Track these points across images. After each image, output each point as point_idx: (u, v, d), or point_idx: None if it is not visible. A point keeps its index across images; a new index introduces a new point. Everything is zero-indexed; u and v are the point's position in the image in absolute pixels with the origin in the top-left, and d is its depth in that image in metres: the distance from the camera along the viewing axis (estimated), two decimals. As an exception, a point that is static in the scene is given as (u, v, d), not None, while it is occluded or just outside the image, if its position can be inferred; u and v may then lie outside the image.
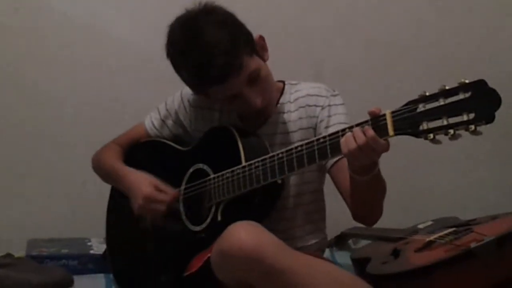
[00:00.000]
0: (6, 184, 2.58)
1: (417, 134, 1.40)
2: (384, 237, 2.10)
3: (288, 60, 2.52)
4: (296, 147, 1.63)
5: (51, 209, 2.57)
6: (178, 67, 1.75)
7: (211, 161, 1.81)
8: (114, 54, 2.61)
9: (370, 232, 2.24)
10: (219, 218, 1.75)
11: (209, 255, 1.62)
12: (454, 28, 2.76)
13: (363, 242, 2.37)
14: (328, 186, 1.87)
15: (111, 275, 2.09)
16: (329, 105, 1.82)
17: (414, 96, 1.41)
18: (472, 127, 1.32)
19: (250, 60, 1.70)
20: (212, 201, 1.78)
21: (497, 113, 1.30)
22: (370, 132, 1.46)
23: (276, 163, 1.66)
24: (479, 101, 1.32)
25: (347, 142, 1.49)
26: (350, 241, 2.49)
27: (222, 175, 1.75)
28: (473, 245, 1.66)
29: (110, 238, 2.09)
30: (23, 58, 2.57)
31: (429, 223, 2.11)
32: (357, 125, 1.50)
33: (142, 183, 1.83)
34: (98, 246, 2.33)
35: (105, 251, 2.15)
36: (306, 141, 1.61)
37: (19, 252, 2.28)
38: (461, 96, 1.34)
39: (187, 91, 1.93)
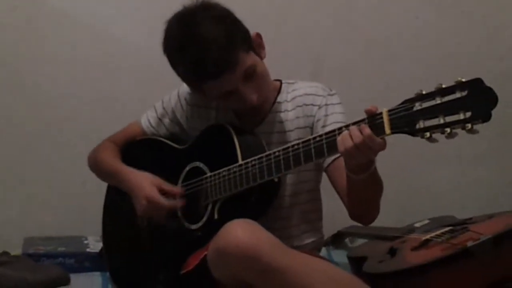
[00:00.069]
0: (3, 183, 2.57)
1: (413, 132, 1.40)
2: (380, 236, 2.11)
3: (286, 58, 2.52)
4: (292, 146, 1.62)
5: (47, 207, 2.57)
6: (175, 62, 1.75)
7: (208, 159, 1.81)
8: (114, 53, 2.61)
9: (366, 231, 2.24)
10: (215, 216, 1.75)
11: (205, 253, 1.62)
12: (454, 28, 2.76)
13: (360, 241, 2.37)
14: (325, 185, 1.86)
15: (107, 273, 2.08)
16: (326, 104, 1.81)
17: (412, 95, 1.41)
18: (469, 125, 1.32)
19: (246, 56, 1.70)
20: (208, 200, 1.78)
21: (493, 112, 1.30)
22: (367, 130, 1.46)
23: (272, 161, 1.65)
24: (475, 100, 1.31)
25: (344, 141, 1.49)
26: (346, 240, 2.49)
27: (219, 173, 1.75)
28: (469, 244, 1.66)
29: (106, 236, 2.09)
30: (23, 58, 2.56)
31: (426, 222, 2.12)
32: (353, 123, 1.50)
33: (145, 183, 1.81)
34: (94, 244, 2.32)
35: (101, 249, 2.15)
36: (302, 140, 1.61)
37: (16, 250, 2.28)
38: (457, 94, 1.34)
39: (184, 89, 1.93)
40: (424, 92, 1.39)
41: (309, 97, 1.84)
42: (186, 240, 1.80)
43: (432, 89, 1.38)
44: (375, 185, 1.63)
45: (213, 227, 1.64)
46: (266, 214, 1.75)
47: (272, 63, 1.80)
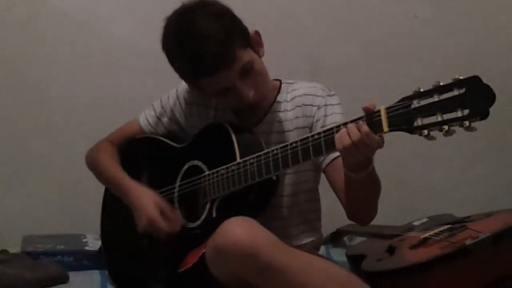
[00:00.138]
0: (2, 181, 2.57)
1: (411, 130, 1.40)
2: (379, 234, 2.10)
3: (284, 58, 2.52)
4: (291, 144, 1.62)
5: (46, 205, 2.57)
6: (173, 58, 1.76)
7: (206, 157, 1.81)
8: (112, 52, 2.60)
9: (365, 229, 2.23)
10: (214, 214, 1.75)
11: (204, 251, 1.62)
12: (452, 28, 2.76)
13: (359, 239, 2.37)
14: (324, 184, 1.86)
15: (106, 272, 2.08)
16: (325, 105, 1.82)
17: (410, 93, 1.41)
18: (467, 123, 1.32)
19: (244, 53, 1.70)
20: (207, 198, 1.78)
21: (491, 110, 1.30)
22: (365, 128, 1.46)
23: (271, 159, 1.65)
24: (473, 97, 1.31)
25: (342, 138, 1.49)
26: (345, 238, 2.49)
27: (217, 171, 1.75)
28: (468, 242, 1.66)
29: (105, 234, 2.08)
30: (22, 57, 2.56)
31: (424, 220, 2.11)
32: (351, 121, 1.50)
33: (148, 202, 1.80)
34: (93, 243, 2.32)
35: (100, 248, 2.15)
36: (301, 138, 1.61)
37: (14, 248, 2.28)
38: (455, 92, 1.34)
39: (182, 88, 1.93)
40: (422, 90, 1.39)
41: (308, 97, 1.84)
42: (184, 238, 1.80)
43: (430, 87, 1.38)
44: (373, 184, 1.63)
45: (212, 225, 1.64)
46: (264, 213, 1.75)
47: (271, 62, 1.80)
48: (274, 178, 1.70)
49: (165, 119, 1.97)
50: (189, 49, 1.69)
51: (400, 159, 2.62)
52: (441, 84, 1.36)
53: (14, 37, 2.56)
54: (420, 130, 1.38)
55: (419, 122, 1.38)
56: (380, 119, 1.44)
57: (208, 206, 1.77)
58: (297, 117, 1.84)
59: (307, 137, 1.59)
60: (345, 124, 1.51)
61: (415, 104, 1.39)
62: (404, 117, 1.41)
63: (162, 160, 1.95)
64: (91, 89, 2.60)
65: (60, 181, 2.59)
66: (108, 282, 2.06)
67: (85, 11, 2.58)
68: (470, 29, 2.76)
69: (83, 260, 2.25)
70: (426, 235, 1.82)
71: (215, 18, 1.70)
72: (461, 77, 1.33)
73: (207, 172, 1.78)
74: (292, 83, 1.89)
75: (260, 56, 1.78)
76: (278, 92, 1.87)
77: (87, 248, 2.30)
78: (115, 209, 1.97)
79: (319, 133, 1.57)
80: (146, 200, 1.81)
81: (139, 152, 2.00)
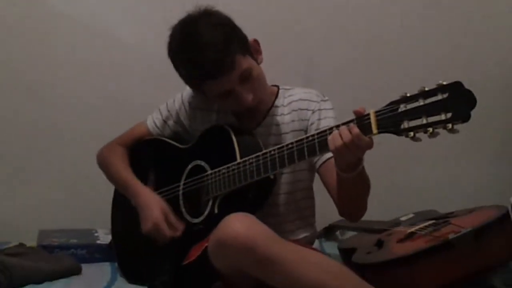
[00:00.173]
0: (20, 180, 2.57)
1: (398, 132, 1.40)
2: (368, 229, 2.10)
3: (280, 63, 2.49)
4: (287, 145, 1.62)
5: (60, 201, 2.55)
6: (177, 64, 1.77)
7: (209, 158, 1.81)
8: (118, 56, 2.59)
9: (356, 224, 2.22)
10: (216, 211, 1.75)
11: (206, 244, 1.62)
12: (447, 31, 2.73)
13: (350, 233, 2.36)
14: (318, 182, 1.86)
15: (116, 264, 2.08)
16: (320, 110, 1.82)
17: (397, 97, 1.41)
18: (450, 125, 1.31)
19: (243, 60, 1.71)
20: (209, 195, 1.77)
21: (473, 113, 1.30)
22: (355, 130, 1.46)
23: (268, 159, 1.65)
24: (455, 102, 1.31)
25: (334, 139, 1.49)
26: (337, 233, 2.48)
27: (219, 171, 1.75)
28: (451, 236, 1.66)
29: (115, 229, 2.08)
30: (23, 56, 2.54)
31: (411, 215, 2.11)
32: (343, 123, 1.50)
33: (155, 207, 1.80)
34: (104, 237, 2.31)
35: (110, 241, 2.15)
36: (296, 139, 1.61)
37: (31, 242, 2.27)
38: (439, 96, 1.34)
39: (187, 93, 1.94)
40: (408, 95, 1.39)
41: (304, 102, 1.84)
42: (188, 232, 1.79)
43: (416, 91, 1.38)
44: (363, 184, 1.63)
45: (214, 220, 1.64)
46: (263, 210, 1.74)
47: (267, 67, 1.80)
48: (272, 177, 1.70)
49: (171, 122, 1.97)
50: (192, 55, 1.70)
51: (387, 159, 2.61)
52: (426, 89, 1.36)
53: (14, 37, 2.54)
54: (407, 132, 1.38)
55: (405, 124, 1.38)
56: (370, 122, 1.44)
57: (210, 203, 1.77)
58: (293, 121, 1.84)
59: (302, 139, 1.59)
60: (337, 126, 1.51)
61: (402, 108, 1.39)
62: (392, 120, 1.40)
63: (168, 160, 1.94)
64: (99, 91, 2.58)
65: (73, 179, 2.57)
66: (118, 273, 2.06)
67: (91, 16, 2.57)
68: (468, 32, 2.73)
69: (95, 253, 2.24)
70: (412, 229, 1.82)
71: (216, 27, 1.71)
72: (444, 83, 1.33)
73: (209, 171, 1.78)
74: (288, 89, 1.90)
75: (258, 63, 1.79)
76: (276, 97, 1.87)
77: (98, 241, 2.30)
78: (125, 206, 1.97)
79: (313, 135, 1.57)
80: (153, 204, 1.81)
81: (147, 153, 2.00)
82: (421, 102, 1.36)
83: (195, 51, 1.69)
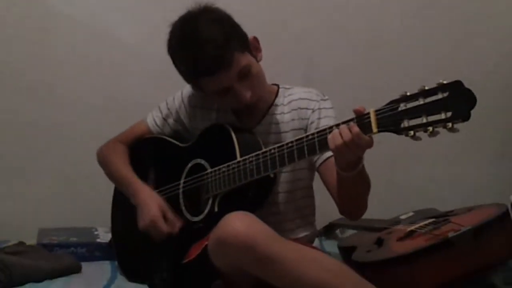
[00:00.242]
0: (20, 178, 2.57)
1: (398, 131, 1.40)
2: (368, 227, 2.10)
3: (280, 62, 2.50)
4: (287, 143, 1.62)
5: (60, 200, 2.56)
6: (177, 60, 1.77)
7: (209, 156, 1.81)
8: (118, 56, 2.59)
9: (356, 223, 2.22)
10: (216, 209, 1.75)
11: (206, 243, 1.62)
12: (447, 32, 2.74)
13: (350, 232, 2.36)
14: (318, 181, 1.86)
15: (116, 262, 2.08)
16: (319, 109, 1.82)
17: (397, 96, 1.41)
18: (450, 124, 1.31)
19: (242, 57, 1.71)
20: (209, 194, 1.77)
21: (472, 112, 1.30)
22: (355, 129, 1.46)
23: (268, 158, 1.65)
24: (455, 101, 1.31)
25: (334, 138, 1.49)
26: (337, 231, 2.48)
27: (219, 169, 1.75)
28: (451, 234, 1.66)
29: (114, 227, 2.09)
30: (24, 57, 2.55)
31: (410, 214, 2.11)
32: (343, 122, 1.50)
33: (153, 204, 1.80)
34: (104, 235, 2.32)
35: (110, 240, 2.15)
36: (296, 138, 1.61)
37: (31, 240, 2.27)
38: (439, 95, 1.33)
39: (186, 92, 1.93)
40: (408, 94, 1.39)
41: (304, 101, 1.84)
42: (188, 231, 1.79)
43: (415, 90, 1.38)
44: (363, 182, 1.63)
45: (214, 219, 1.64)
46: (263, 209, 1.74)
47: (267, 67, 1.80)
48: (272, 175, 1.70)
49: (171, 120, 1.97)
50: (191, 51, 1.70)
51: (387, 158, 2.61)
52: (426, 88, 1.36)
53: (14, 37, 2.54)
54: (407, 131, 1.38)
55: (405, 123, 1.38)
56: (370, 121, 1.44)
57: (210, 201, 1.77)
58: (293, 119, 1.83)
59: (302, 138, 1.59)
60: (337, 125, 1.51)
61: (402, 106, 1.39)
62: (392, 119, 1.40)
63: (168, 158, 1.94)
64: (100, 91, 2.59)
65: (73, 178, 2.58)
66: (118, 272, 2.06)
67: (92, 16, 2.57)
68: (468, 33, 2.73)
69: (95, 252, 2.25)
70: (412, 228, 1.82)
71: (216, 24, 1.71)
72: (444, 82, 1.33)
73: (209, 170, 1.78)
74: (288, 88, 1.89)
75: (258, 61, 1.79)
76: (276, 96, 1.87)
77: (98, 240, 2.30)
78: (124, 204, 1.97)
79: (313, 134, 1.57)
80: (151, 202, 1.81)
81: (147, 151, 2.00)
82: (421, 101, 1.36)
83: (195, 47, 1.69)
